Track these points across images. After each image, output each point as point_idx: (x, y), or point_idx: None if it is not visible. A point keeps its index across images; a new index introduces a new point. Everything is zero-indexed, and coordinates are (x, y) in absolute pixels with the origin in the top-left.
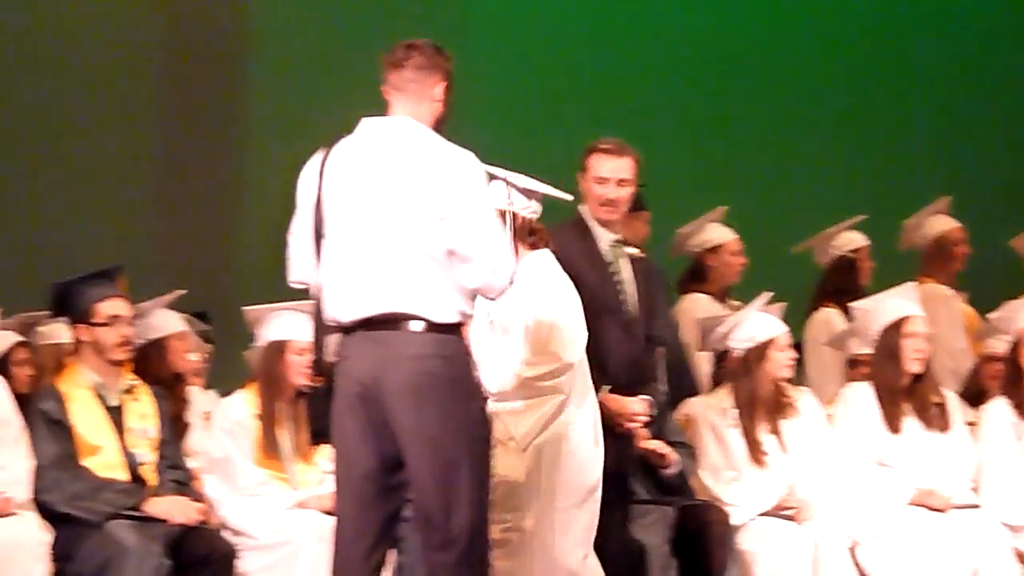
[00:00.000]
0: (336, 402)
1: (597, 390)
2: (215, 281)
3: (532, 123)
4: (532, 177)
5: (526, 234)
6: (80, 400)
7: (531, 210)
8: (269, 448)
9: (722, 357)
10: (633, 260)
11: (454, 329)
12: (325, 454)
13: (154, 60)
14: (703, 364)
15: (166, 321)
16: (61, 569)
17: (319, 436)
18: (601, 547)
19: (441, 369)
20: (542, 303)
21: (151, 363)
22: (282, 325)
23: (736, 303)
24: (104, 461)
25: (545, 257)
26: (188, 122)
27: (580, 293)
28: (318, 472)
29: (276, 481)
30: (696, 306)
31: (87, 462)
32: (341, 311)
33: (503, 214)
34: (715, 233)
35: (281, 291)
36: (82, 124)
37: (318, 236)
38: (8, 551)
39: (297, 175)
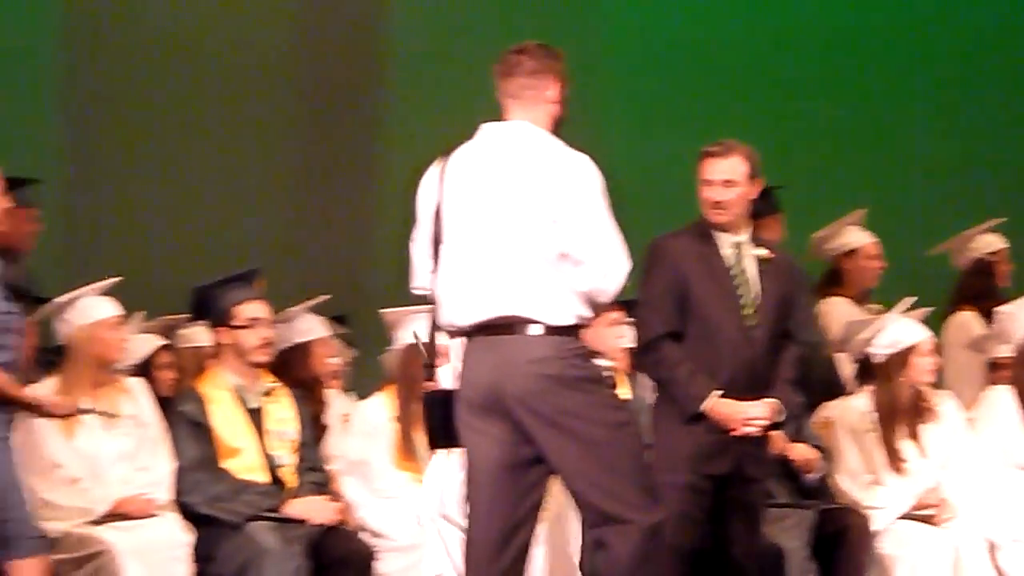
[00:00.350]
0: (459, 407)
1: (706, 396)
2: (352, 285)
3: (669, 122)
4: None
5: None
6: (221, 402)
7: None
8: (406, 450)
9: (863, 361)
10: (760, 261)
11: (572, 331)
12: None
13: (290, 66)
14: (845, 367)
15: (310, 326)
16: (202, 570)
17: (435, 441)
18: (729, 551)
19: (561, 370)
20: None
21: (293, 367)
22: (420, 328)
23: (876, 307)
24: (244, 463)
25: None
26: (325, 127)
27: (694, 296)
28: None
29: (413, 483)
30: (834, 310)
31: (227, 464)
32: (459, 316)
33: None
34: (851, 237)
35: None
36: (220, 130)
37: (437, 243)
38: (150, 552)
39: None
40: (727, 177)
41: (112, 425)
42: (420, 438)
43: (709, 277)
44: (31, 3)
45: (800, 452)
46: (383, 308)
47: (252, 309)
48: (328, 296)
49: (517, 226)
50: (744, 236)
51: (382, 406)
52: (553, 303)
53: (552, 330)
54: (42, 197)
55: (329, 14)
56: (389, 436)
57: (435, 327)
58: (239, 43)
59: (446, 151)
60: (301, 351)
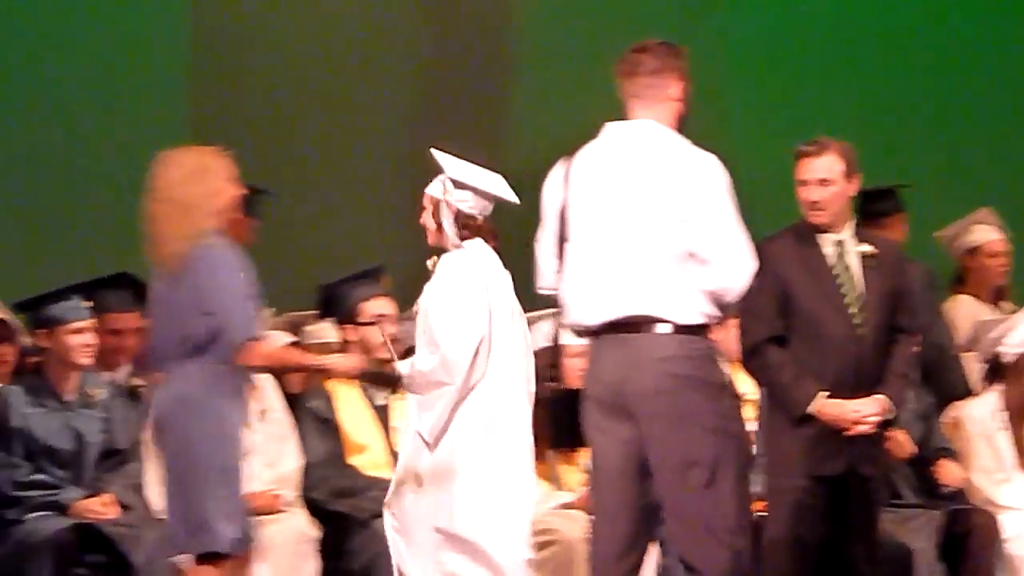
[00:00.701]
0: (586, 405)
1: (813, 397)
2: None
3: (792, 119)
4: (489, 176)
5: (459, 227)
6: (348, 399)
7: (468, 204)
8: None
9: (993, 361)
10: (864, 257)
11: (699, 330)
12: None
13: (415, 62)
14: (973, 367)
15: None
16: (331, 565)
17: (560, 440)
18: (849, 551)
19: (688, 370)
20: (439, 296)
21: None
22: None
23: (1009, 306)
24: (371, 460)
25: (468, 252)
26: (449, 125)
27: (796, 298)
28: (581, 473)
29: (540, 482)
30: (960, 309)
31: (354, 460)
32: (587, 315)
33: (434, 202)
34: (975, 234)
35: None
36: (347, 129)
37: (562, 242)
38: (279, 547)
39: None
40: (823, 176)
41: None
42: (540, 439)
43: (811, 278)
44: (159, 21)
45: (948, 472)
46: None
47: (378, 306)
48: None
49: (644, 225)
50: (846, 234)
51: None
52: (681, 302)
53: (680, 329)
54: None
55: (456, 16)
56: None
57: (561, 327)
58: (366, 44)
59: (571, 150)
60: None
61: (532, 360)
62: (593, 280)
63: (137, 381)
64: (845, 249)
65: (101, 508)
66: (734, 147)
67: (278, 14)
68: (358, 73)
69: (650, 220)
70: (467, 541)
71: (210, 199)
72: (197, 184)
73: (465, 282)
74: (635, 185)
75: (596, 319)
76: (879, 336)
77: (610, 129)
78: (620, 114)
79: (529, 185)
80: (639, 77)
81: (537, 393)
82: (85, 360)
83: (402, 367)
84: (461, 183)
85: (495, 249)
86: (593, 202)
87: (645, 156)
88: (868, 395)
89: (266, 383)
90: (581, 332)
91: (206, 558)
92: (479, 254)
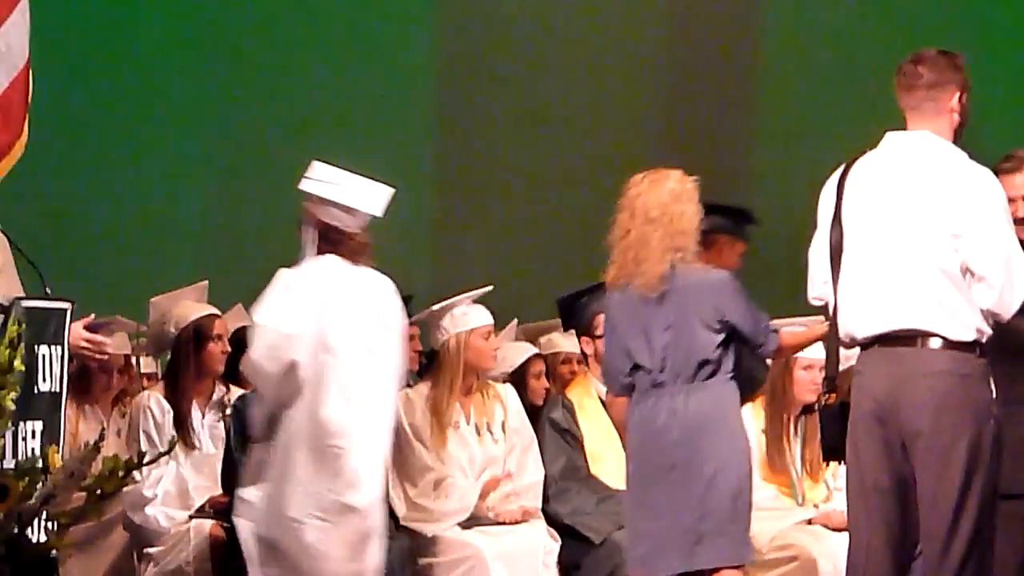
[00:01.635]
0: (852, 417)
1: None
2: None
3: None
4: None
5: (322, 240)
6: (589, 410)
7: (331, 218)
8: (776, 463)
9: None
10: None
11: (971, 347)
12: (835, 472)
13: (660, 72)
14: None
15: None
16: None
17: (831, 454)
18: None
19: (958, 388)
20: (264, 305)
21: None
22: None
23: None
24: (611, 471)
25: (316, 265)
26: (695, 130)
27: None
28: (824, 489)
29: (783, 496)
30: None
31: (595, 471)
32: (858, 327)
33: (308, 211)
34: None
35: (791, 307)
36: (585, 140)
37: (836, 252)
38: (518, 558)
39: (809, 189)
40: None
41: (484, 431)
42: (790, 451)
43: None
44: (409, 31)
45: None
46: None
47: None
48: None
49: (919, 237)
50: None
51: (750, 418)
52: (953, 317)
53: (951, 344)
54: (410, 208)
55: (702, 46)
56: (757, 447)
57: (835, 338)
58: (608, 50)
59: (849, 159)
60: None
61: (393, 371)
62: (865, 292)
63: None
64: None
65: None
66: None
67: (521, 27)
68: (601, 89)
69: (925, 233)
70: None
71: (692, 221)
72: (682, 205)
73: (289, 293)
74: (911, 197)
75: (867, 331)
76: None
77: (889, 139)
78: (864, 145)
79: (780, 197)
80: (917, 91)
81: (784, 405)
82: None
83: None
84: (323, 198)
85: (364, 263)
86: (868, 213)
87: (922, 169)
88: None
89: (508, 394)
90: (850, 344)
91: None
92: (321, 270)
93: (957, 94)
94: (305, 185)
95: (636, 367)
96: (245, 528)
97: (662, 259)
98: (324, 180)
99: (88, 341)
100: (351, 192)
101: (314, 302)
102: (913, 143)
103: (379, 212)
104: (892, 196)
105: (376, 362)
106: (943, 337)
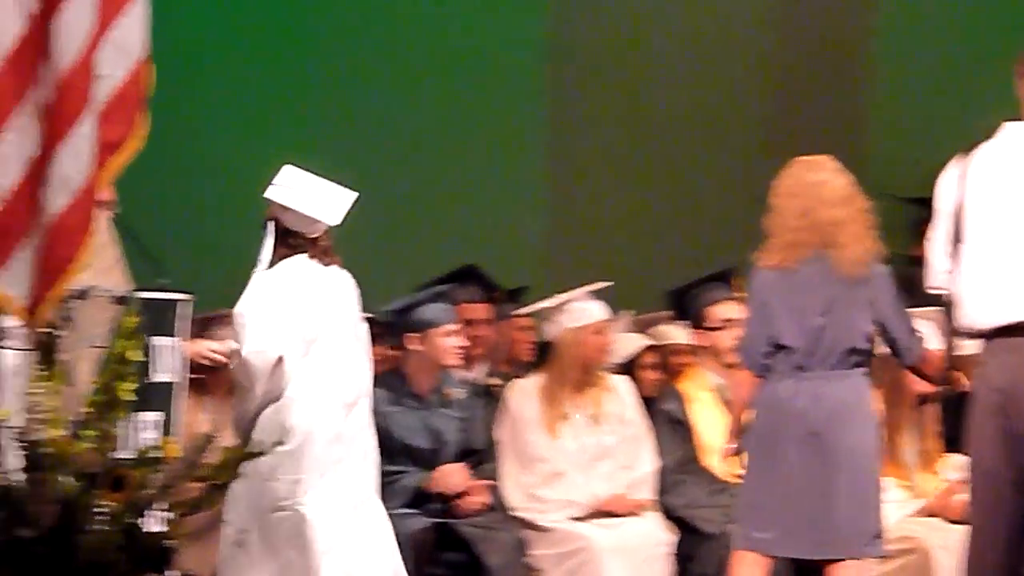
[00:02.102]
0: (973, 409)
1: None
2: None
3: None
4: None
5: (283, 245)
6: (702, 401)
7: (294, 224)
8: (893, 455)
9: None
10: None
11: None
12: (951, 463)
13: (768, 67)
14: None
15: None
16: (683, 569)
17: (951, 444)
18: None
19: None
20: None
21: None
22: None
23: None
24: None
25: (291, 265)
26: (801, 131)
27: None
28: (940, 480)
29: (898, 488)
30: None
31: (708, 463)
32: (980, 317)
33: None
34: None
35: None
36: (699, 131)
37: (956, 242)
38: (632, 550)
39: (925, 182)
40: None
41: (598, 422)
42: (906, 442)
43: None
44: (521, 27)
45: None
46: None
47: (726, 310)
48: None
49: None
50: None
51: None
52: None
53: None
54: (524, 199)
55: (811, 21)
56: None
57: (953, 329)
58: (720, 50)
59: (966, 149)
60: None
61: (364, 369)
62: (987, 282)
63: (493, 380)
64: None
65: (475, 496)
66: None
67: (637, 22)
68: (711, 79)
69: None
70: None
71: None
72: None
73: (264, 291)
74: None
75: (989, 322)
76: None
77: (1008, 129)
78: (978, 138)
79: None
80: None
81: (901, 396)
82: (455, 361)
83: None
84: (283, 204)
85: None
86: (990, 202)
87: None
88: None
89: (623, 385)
90: (973, 334)
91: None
92: (296, 270)
93: None
94: (269, 191)
95: (779, 347)
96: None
97: (862, 242)
98: (287, 186)
99: (206, 357)
100: (310, 200)
101: (296, 300)
102: None
103: (336, 221)
104: (1013, 186)
105: (361, 354)
106: None
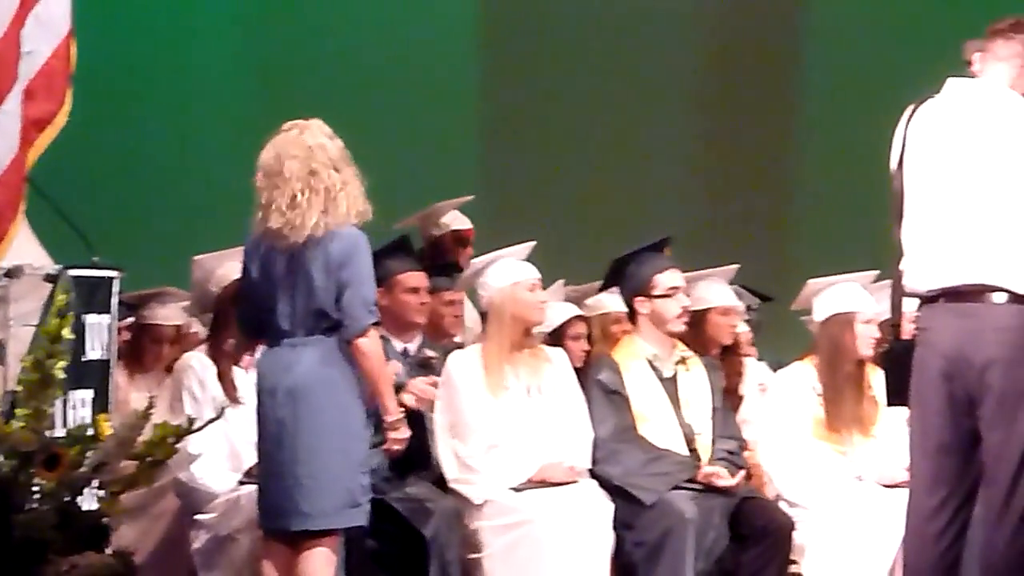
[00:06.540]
0: (916, 374)
1: None
2: (771, 254)
3: None
4: None
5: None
6: (636, 371)
7: None
8: (831, 420)
9: None
10: None
11: None
12: (887, 425)
13: (703, 41)
14: None
15: (711, 293)
16: (623, 538)
17: (894, 398)
18: None
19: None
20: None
21: (698, 333)
22: (847, 297)
23: None
24: (660, 433)
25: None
26: (738, 109)
27: None
28: (876, 445)
29: (835, 453)
30: None
31: (643, 432)
32: (922, 280)
33: None
34: None
35: (838, 265)
36: (636, 107)
37: (899, 200)
38: (572, 520)
39: (850, 154)
40: None
41: (535, 393)
42: (844, 407)
43: None
44: (455, 29)
45: None
46: (803, 279)
47: (671, 278)
48: (737, 265)
49: (987, 189)
50: None
51: (803, 375)
52: (1021, 271)
53: (1018, 299)
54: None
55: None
56: (810, 405)
57: (900, 291)
58: (651, 25)
59: (916, 101)
60: (698, 318)
61: None
62: (930, 244)
63: (430, 352)
64: None
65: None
66: None
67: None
68: (650, 56)
69: (992, 184)
70: None
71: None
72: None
73: None
74: (978, 148)
75: (932, 285)
76: None
77: (950, 86)
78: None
79: (823, 160)
80: (1014, 43)
81: (839, 362)
82: (420, 318)
83: None
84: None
85: None
86: (931, 162)
87: (990, 117)
88: None
89: (557, 355)
90: (918, 296)
91: (323, 533)
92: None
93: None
94: None
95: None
96: None
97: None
98: None
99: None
100: None
101: None
102: (980, 91)
103: None
104: (955, 145)
105: None
106: (1009, 291)
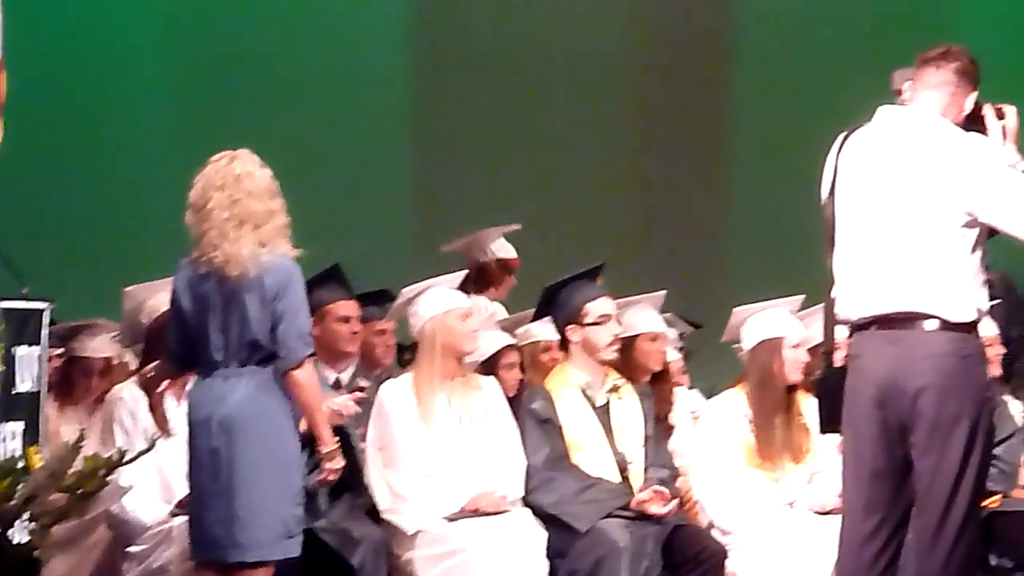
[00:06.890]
0: (849, 400)
1: None
2: (699, 282)
3: None
4: None
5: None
6: (568, 399)
7: None
8: (763, 448)
9: None
10: None
11: (970, 327)
12: (820, 452)
13: (634, 67)
14: None
15: (639, 319)
16: (556, 566)
17: (827, 425)
18: None
19: (960, 369)
20: None
21: (628, 359)
22: (774, 323)
23: None
24: (592, 461)
25: None
26: (670, 131)
27: None
28: (807, 472)
29: (767, 480)
30: None
31: (576, 460)
32: (854, 308)
33: None
34: None
35: (770, 292)
36: (565, 128)
37: (831, 227)
38: (505, 549)
39: (781, 184)
40: None
41: (467, 421)
42: (774, 434)
43: None
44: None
45: None
46: (735, 306)
47: (603, 306)
48: (664, 291)
49: (919, 216)
50: None
51: (734, 403)
52: (953, 297)
53: (949, 325)
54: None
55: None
56: (740, 433)
57: (832, 318)
58: (579, 44)
59: (849, 129)
60: (627, 345)
61: None
62: (860, 272)
63: (361, 382)
64: None
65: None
66: None
67: (493, 22)
68: (575, 79)
69: (924, 211)
70: None
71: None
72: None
73: None
74: (907, 175)
75: (863, 312)
76: None
77: (881, 114)
78: (841, 118)
79: (754, 185)
80: (942, 72)
81: (770, 390)
82: (351, 347)
83: None
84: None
85: None
86: (861, 190)
87: (919, 144)
88: None
89: (489, 384)
90: (848, 325)
91: (257, 564)
92: None
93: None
94: None
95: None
96: None
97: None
98: None
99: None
100: None
101: None
102: (909, 118)
103: None
104: (885, 172)
105: None
106: (941, 319)
